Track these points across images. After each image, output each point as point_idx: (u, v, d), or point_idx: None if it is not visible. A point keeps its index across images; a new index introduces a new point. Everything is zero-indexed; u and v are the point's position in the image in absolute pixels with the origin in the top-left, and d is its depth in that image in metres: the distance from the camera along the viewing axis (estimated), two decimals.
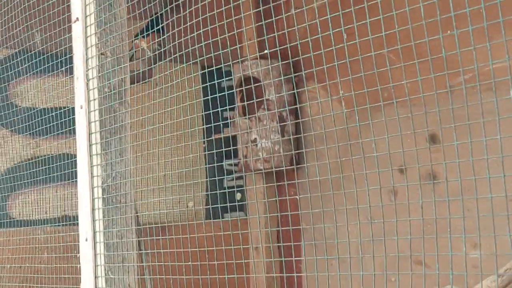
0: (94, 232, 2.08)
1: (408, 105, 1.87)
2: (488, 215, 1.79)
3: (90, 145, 2.10)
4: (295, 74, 3.93)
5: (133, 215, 2.09)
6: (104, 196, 2.07)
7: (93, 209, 2.08)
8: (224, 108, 2.30)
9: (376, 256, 2.02)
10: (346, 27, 1.70)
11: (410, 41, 1.74)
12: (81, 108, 2.12)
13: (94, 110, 2.09)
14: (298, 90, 4.05)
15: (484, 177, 1.71)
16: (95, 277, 2.06)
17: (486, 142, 1.68)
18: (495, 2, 1.47)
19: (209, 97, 4.09)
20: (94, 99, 2.09)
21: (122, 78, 2.08)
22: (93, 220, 2.08)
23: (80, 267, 2.13)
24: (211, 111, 3.69)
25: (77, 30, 2.13)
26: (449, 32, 2.10)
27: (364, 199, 3.62)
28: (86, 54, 2.11)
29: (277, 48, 1.77)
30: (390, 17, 1.72)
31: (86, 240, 2.09)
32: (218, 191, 4.11)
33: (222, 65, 4.19)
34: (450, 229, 1.71)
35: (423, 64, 1.81)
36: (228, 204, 4.19)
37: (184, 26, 1.99)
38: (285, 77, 3.96)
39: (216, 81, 4.21)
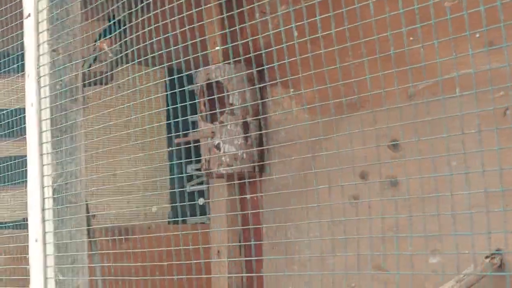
0: (45, 233, 2.03)
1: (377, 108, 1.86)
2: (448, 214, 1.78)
3: (41, 144, 2.05)
4: (258, 70, 3.91)
5: (84, 215, 2.05)
6: (55, 196, 2.02)
7: (43, 209, 2.03)
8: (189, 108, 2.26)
9: (337, 255, 2.00)
10: (301, 39, 1.69)
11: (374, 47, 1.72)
12: (32, 106, 2.07)
13: (45, 108, 2.05)
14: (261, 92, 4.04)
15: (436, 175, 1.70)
16: (45, 278, 2.01)
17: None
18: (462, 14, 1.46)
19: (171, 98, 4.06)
20: (46, 97, 2.05)
21: (74, 76, 2.04)
22: (43, 221, 2.03)
23: (29, 268, 2.08)
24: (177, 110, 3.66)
25: (29, 26, 2.08)
26: (411, 38, 2.10)
27: (327, 206, 3.58)
28: (38, 51, 2.07)
29: (219, 48, 1.74)
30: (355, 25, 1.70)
31: (36, 240, 2.04)
32: (180, 195, 4.09)
33: (190, 68, 4.16)
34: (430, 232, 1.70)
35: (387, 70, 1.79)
36: (190, 208, 4.16)
37: (148, 28, 1.95)
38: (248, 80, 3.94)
39: (181, 83, 4.18)
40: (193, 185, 4.31)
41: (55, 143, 2.03)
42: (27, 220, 3.28)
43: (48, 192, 2.03)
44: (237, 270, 4.15)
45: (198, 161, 4.14)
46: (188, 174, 4.27)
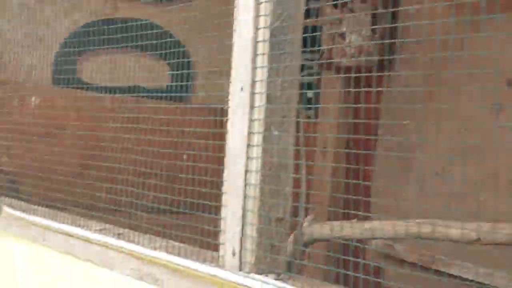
0: (254, 81, 1.75)
1: None
2: None
3: None
4: None
5: (299, 63, 1.78)
6: (272, 39, 1.73)
7: (255, 54, 1.75)
8: None
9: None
10: None
11: None
12: None
13: None
14: None
15: None
16: (249, 133, 1.75)
17: None
18: None
19: None
20: None
21: None
22: (254, 67, 1.75)
23: (227, 119, 1.81)
24: None
25: None
26: None
27: (459, 112, 3.25)
28: None
29: None
30: None
31: (242, 89, 1.77)
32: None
33: None
34: None
35: None
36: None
37: None
38: None
39: None
40: (304, 75, 4.00)
41: None
42: (143, 91, 3.01)
43: (264, 35, 1.74)
44: (342, 170, 3.91)
45: (315, 50, 3.84)
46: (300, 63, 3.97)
